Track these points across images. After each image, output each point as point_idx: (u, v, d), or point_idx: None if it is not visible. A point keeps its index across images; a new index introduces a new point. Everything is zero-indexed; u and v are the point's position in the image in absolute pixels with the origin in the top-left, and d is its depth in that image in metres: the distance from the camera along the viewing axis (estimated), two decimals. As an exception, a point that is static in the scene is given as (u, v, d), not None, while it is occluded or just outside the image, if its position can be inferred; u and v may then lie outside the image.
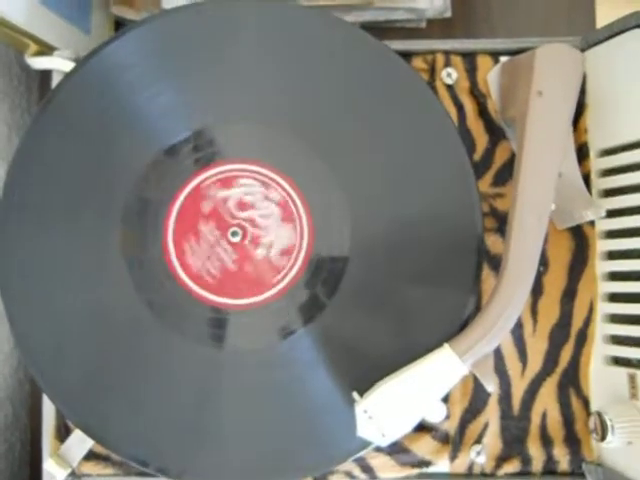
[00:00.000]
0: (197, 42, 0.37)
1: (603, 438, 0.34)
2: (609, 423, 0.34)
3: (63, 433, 0.39)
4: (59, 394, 0.36)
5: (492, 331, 0.32)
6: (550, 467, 0.38)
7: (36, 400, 0.49)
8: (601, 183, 0.38)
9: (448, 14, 0.48)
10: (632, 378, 0.35)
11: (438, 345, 0.33)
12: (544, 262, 0.39)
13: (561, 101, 0.35)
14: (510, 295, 0.33)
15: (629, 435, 0.34)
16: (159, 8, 0.47)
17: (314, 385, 0.35)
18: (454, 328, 0.35)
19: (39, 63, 0.40)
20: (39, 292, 0.36)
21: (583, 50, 0.39)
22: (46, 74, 0.43)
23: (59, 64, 0.40)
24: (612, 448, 0.36)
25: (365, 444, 0.34)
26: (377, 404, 0.32)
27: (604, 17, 0.49)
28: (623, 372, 0.36)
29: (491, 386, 0.33)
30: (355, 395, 0.33)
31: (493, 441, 0.38)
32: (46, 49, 0.42)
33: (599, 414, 0.34)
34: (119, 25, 0.51)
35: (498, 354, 0.38)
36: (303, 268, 0.36)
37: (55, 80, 0.40)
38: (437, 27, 0.50)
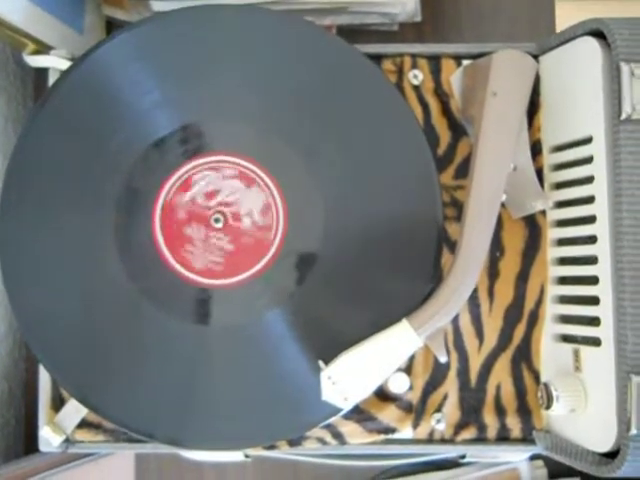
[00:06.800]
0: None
1: (549, 407, 0.37)
2: (555, 394, 0.37)
3: (58, 404, 0.41)
4: (56, 365, 0.38)
5: (445, 308, 0.36)
6: (503, 434, 0.41)
7: (30, 378, 0.51)
8: (553, 177, 0.41)
9: (418, 18, 0.50)
10: (576, 353, 0.38)
11: (398, 320, 0.36)
12: (500, 248, 0.42)
13: (513, 101, 0.38)
14: (461, 278, 0.36)
15: (572, 403, 0.37)
16: (148, 9, 0.49)
17: (289, 356, 0.38)
18: (415, 306, 0.37)
19: (37, 61, 0.42)
20: (38, 273, 0.39)
21: (538, 55, 0.42)
22: (40, 70, 0.45)
23: (55, 62, 0.42)
24: (558, 416, 0.39)
25: (333, 411, 0.37)
26: (340, 371, 0.35)
27: (564, 23, 0.52)
28: (569, 348, 0.39)
29: (443, 357, 0.37)
30: (321, 363, 0.36)
31: (452, 410, 0.41)
32: (43, 48, 0.44)
33: (546, 385, 0.37)
34: (110, 26, 0.53)
35: (457, 331, 0.41)
36: (286, 217, 0.39)
37: (52, 78, 0.42)
38: (408, 30, 0.52)
